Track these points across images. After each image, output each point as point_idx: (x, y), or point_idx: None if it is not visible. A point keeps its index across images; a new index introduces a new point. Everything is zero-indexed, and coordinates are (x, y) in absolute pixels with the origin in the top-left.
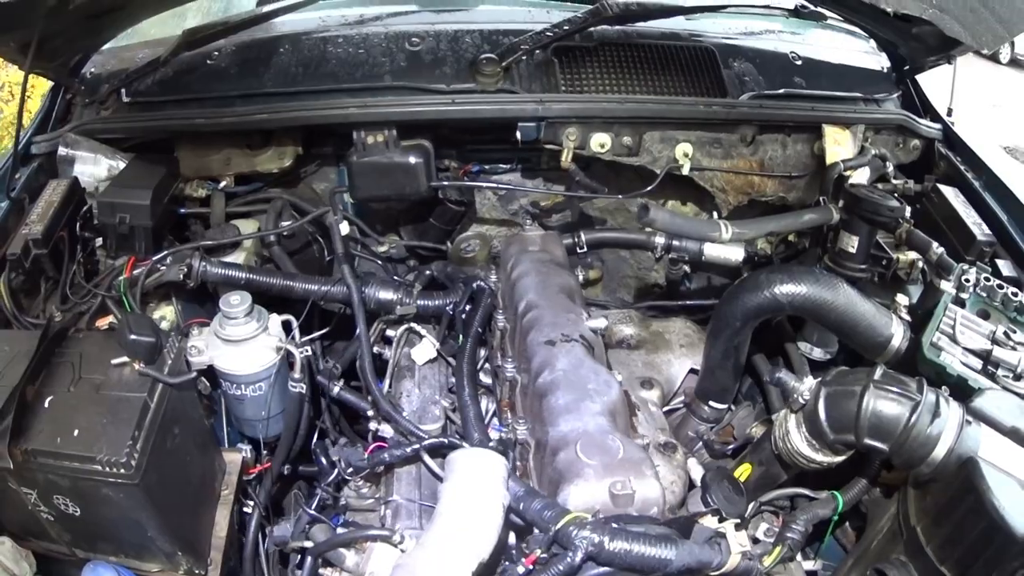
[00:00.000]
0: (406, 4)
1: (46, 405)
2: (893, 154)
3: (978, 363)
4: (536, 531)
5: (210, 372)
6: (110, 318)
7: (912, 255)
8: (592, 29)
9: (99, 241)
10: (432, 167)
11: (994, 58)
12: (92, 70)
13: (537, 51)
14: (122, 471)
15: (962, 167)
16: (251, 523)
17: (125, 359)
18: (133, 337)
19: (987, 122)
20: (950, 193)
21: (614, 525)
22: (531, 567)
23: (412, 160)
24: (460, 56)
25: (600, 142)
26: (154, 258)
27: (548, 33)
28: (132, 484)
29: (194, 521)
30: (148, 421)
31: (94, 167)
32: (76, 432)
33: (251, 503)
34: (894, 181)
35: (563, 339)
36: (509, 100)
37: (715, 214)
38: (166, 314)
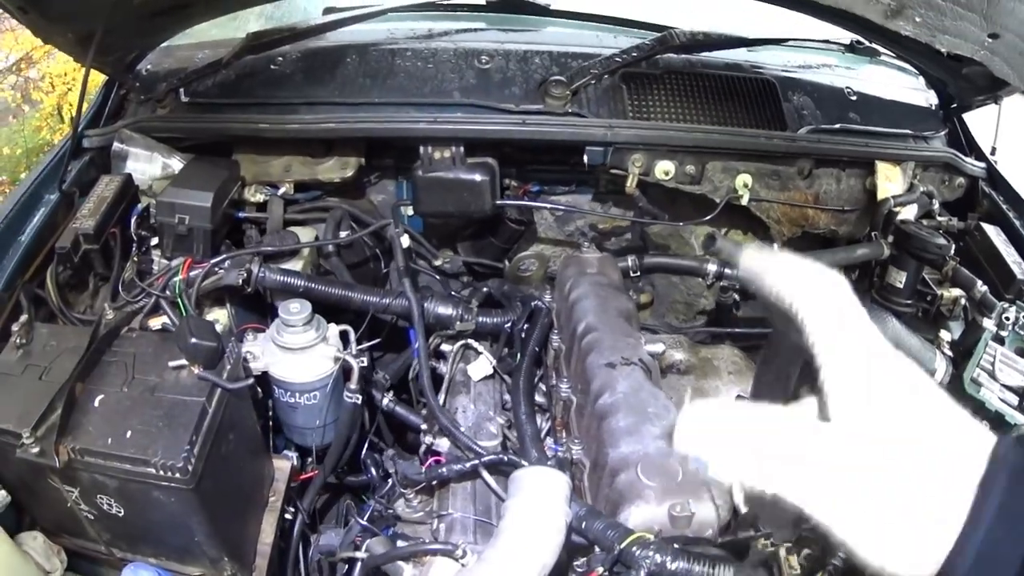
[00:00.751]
0: (475, 21)
1: (96, 404)
2: (939, 191)
3: (1015, 399)
4: (597, 549)
5: (262, 378)
6: (163, 319)
7: (956, 292)
8: (659, 57)
9: (154, 240)
10: (497, 185)
11: None
12: (148, 67)
13: (606, 76)
14: (178, 475)
15: (1004, 206)
16: (294, 530)
17: (183, 362)
18: (194, 341)
19: None
20: (992, 231)
21: (676, 546)
22: None
23: (478, 178)
24: (529, 77)
25: (664, 169)
26: (212, 261)
27: (617, 59)
28: (187, 489)
29: (242, 527)
30: (206, 426)
31: (148, 164)
32: (129, 433)
33: (293, 510)
34: (939, 218)
35: (623, 362)
36: (578, 124)
37: (774, 246)
38: (220, 317)
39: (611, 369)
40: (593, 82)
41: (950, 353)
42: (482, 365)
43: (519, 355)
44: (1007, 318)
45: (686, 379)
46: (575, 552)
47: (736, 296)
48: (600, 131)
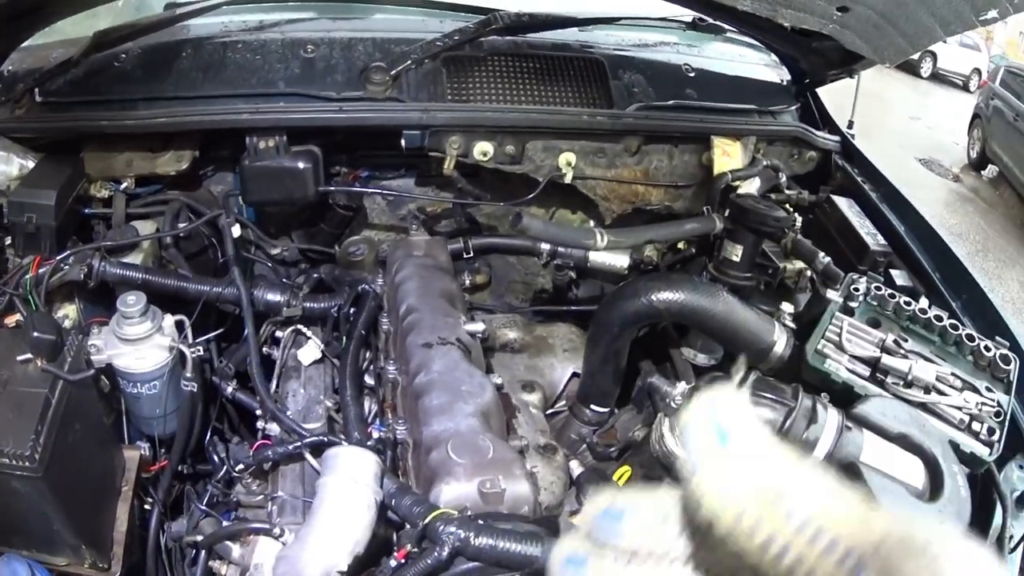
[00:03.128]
0: (306, 11)
1: None
2: (788, 165)
3: (866, 371)
4: (407, 526)
5: (109, 370)
6: (17, 316)
7: (799, 264)
8: (483, 40)
9: (8, 239)
10: (320, 172)
11: (915, 72)
12: (9, 68)
13: (426, 60)
14: (26, 464)
15: (859, 179)
16: (151, 519)
17: (29, 356)
18: (36, 334)
19: (905, 134)
20: (843, 203)
21: (480, 522)
22: (402, 560)
23: (301, 165)
24: (352, 64)
25: (483, 150)
26: (58, 257)
27: (438, 43)
28: (36, 477)
29: (96, 515)
30: (50, 416)
31: (6, 166)
32: None
33: (151, 500)
34: (787, 192)
35: (440, 342)
36: (395, 108)
37: (591, 222)
38: (69, 313)
39: (428, 349)
40: (413, 67)
41: (792, 325)
42: (311, 350)
43: (345, 338)
44: (856, 289)
45: (519, 357)
46: (397, 530)
47: (572, 275)
48: (416, 115)
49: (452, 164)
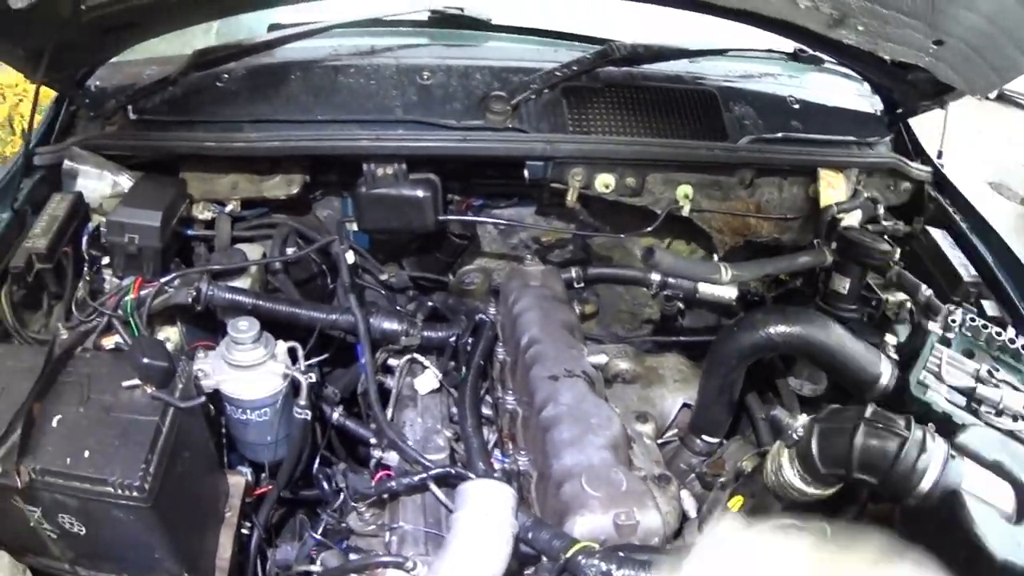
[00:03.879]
0: (417, 37)
1: (54, 424)
2: (884, 196)
3: (962, 400)
4: (544, 560)
5: (214, 395)
6: (115, 338)
7: (900, 296)
8: (599, 70)
9: (106, 259)
10: (439, 201)
11: None
12: (97, 83)
13: (545, 90)
14: (135, 494)
15: (950, 209)
16: (251, 546)
17: (136, 382)
18: (147, 361)
19: (973, 156)
20: (938, 235)
21: (621, 554)
22: None
23: (420, 194)
24: (470, 92)
25: (605, 182)
26: (162, 280)
27: (557, 73)
28: (144, 507)
29: (200, 543)
30: (160, 444)
31: (98, 182)
32: (87, 453)
33: (250, 525)
34: (884, 223)
35: (566, 374)
36: (518, 139)
37: (714, 256)
38: (170, 336)
39: (554, 381)
40: (533, 97)
41: (896, 356)
42: (428, 379)
43: (464, 368)
44: (953, 320)
45: (631, 388)
46: (525, 562)
47: (680, 305)
48: (540, 146)
49: (575, 196)
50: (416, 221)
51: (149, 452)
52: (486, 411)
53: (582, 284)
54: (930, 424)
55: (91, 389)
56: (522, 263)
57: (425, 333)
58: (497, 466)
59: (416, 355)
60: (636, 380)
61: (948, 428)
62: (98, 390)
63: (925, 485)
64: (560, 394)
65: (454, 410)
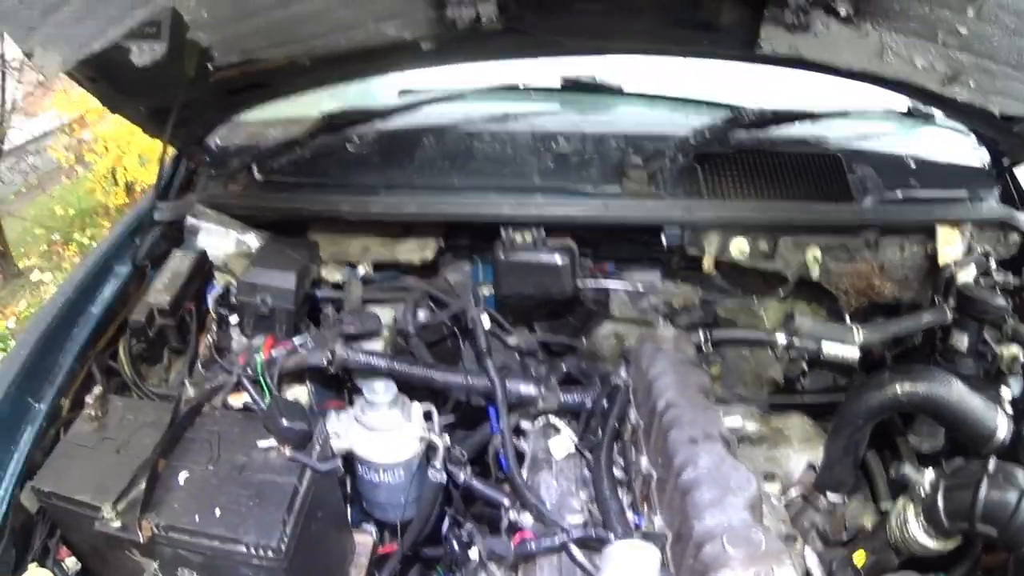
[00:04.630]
0: (549, 102)
1: (181, 481)
2: (995, 249)
3: None
4: None
5: (344, 455)
6: (244, 397)
7: (1015, 349)
8: (729, 135)
9: (234, 319)
10: (576, 267)
11: None
12: (217, 142)
13: (680, 156)
14: (271, 554)
15: None
16: None
17: (272, 443)
18: (287, 424)
19: None
20: None
21: None
22: None
23: (559, 261)
24: (606, 159)
25: (740, 248)
26: (296, 341)
27: (691, 140)
28: (279, 567)
29: None
30: (297, 506)
31: (222, 240)
32: (218, 511)
33: None
34: (995, 276)
35: (704, 437)
36: (657, 206)
37: (847, 318)
38: (299, 396)
39: (693, 444)
40: (669, 163)
41: (1011, 411)
42: (564, 442)
43: (600, 432)
44: None
45: (758, 449)
46: None
47: (805, 366)
48: (678, 212)
49: (712, 263)
50: (554, 287)
51: (286, 513)
52: (618, 473)
53: (710, 347)
54: None
55: (221, 448)
56: (651, 326)
57: (562, 397)
58: (634, 528)
59: (551, 418)
60: (762, 441)
61: None
62: (229, 449)
63: None
64: (699, 457)
65: (586, 473)
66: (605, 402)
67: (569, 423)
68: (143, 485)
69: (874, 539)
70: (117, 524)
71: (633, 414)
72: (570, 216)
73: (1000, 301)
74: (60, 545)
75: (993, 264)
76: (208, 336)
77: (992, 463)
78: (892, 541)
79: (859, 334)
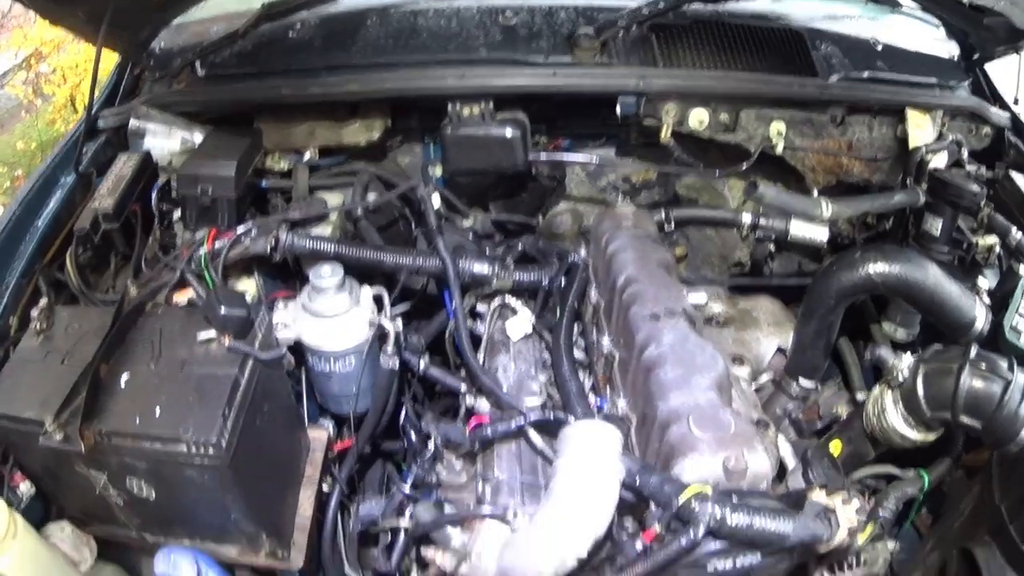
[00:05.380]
0: None
1: (122, 384)
2: (966, 140)
3: None
4: (652, 506)
5: (294, 347)
6: (189, 293)
7: (991, 240)
8: (685, 8)
9: (176, 214)
10: (528, 141)
11: None
12: (161, 45)
13: (633, 27)
14: (211, 452)
15: None
16: (331, 502)
17: (212, 334)
18: (225, 312)
19: None
20: (1022, 180)
21: (735, 499)
22: (649, 544)
23: (510, 133)
24: (556, 31)
25: (699, 118)
26: (239, 230)
27: (644, 10)
28: (221, 465)
29: (279, 502)
30: (239, 399)
31: (167, 140)
32: (158, 411)
33: (330, 481)
34: (967, 167)
35: (667, 313)
36: (610, 74)
37: (815, 192)
38: (248, 288)
39: (655, 321)
40: (621, 33)
41: (988, 301)
42: (521, 323)
43: (558, 311)
44: None
45: (726, 331)
46: (623, 510)
47: (771, 247)
48: (632, 80)
49: (669, 133)
50: (505, 161)
51: (226, 407)
52: (579, 355)
53: (672, 226)
54: None
55: (163, 345)
56: (611, 205)
57: (518, 276)
58: (595, 410)
59: (507, 299)
60: (730, 323)
61: None
62: (171, 346)
63: None
64: (663, 334)
65: (546, 355)
66: (563, 280)
67: (526, 304)
68: (84, 394)
69: (850, 428)
70: (59, 436)
71: (593, 293)
72: (518, 86)
73: (974, 187)
74: (14, 471)
75: (965, 154)
76: (152, 236)
77: (974, 349)
78: (869, 431)
79: (828, 207)
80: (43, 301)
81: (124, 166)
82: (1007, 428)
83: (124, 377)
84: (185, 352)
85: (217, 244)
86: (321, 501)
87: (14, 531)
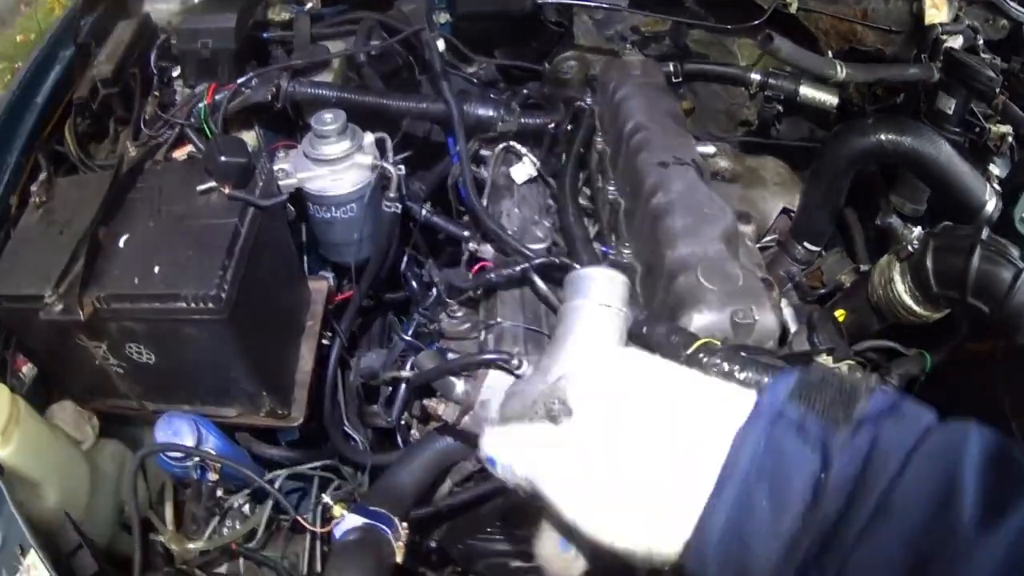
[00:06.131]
0: None
1: (121, 245)
2: (983, 29)
3: None
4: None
5: (296, 197)
6: (188, 148)
7: (1004, 129)
8: None
9: (176, 71)
10: None
11: None
12: None
13: None
14: (210, 305)
15: None
16: (332, 355)
17: (212, 184)
18: (224, 159)
19: None
20: None
21: (744, 354)
22: None
23: None
24: None
25: None
26: (239, 81)
27: None
28: (220, 319)
29: (279, 357)
30: (239, 249)
31: (167, 4)
32: (157, 269)
33: (330, 334)
34: (983, 55)
35: (676, 161)
36: None
37: (829, 54)
38: (248, 140)
39: (664, 168)
40: None
41: (999, 188)
42: (525, 167)
43: (564, 156)
44: None
45: (732, 187)
46: None
47: (779, 108)
48: None
49: None
50: (513, 4)
51: (226, 258)
52: (584, 203)
53: (680, 79)
54: None
55: (162, 202)
56: (618, 55)
57: (523, 119)
58: (601, 257)
59: (512, 143)
60: (736, 179)
61: None
62: (170, 201)
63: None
64: (671, 181)
65: (551, 202)
66: (569, 125)
67: (532, 150)
68: (83, 260)
69: (854, 298)
70: (59, 308)
71: (599, 141)
72: None
73: (990, 72)
74: (16, 355)
75: (981, 41)
76: (151, 95)
77: (985, 231)
78: (874, 301)
79: (842, 70)
80: (42, 175)
81: (123, 32)
82: (1016, 318)
83: (124, 238)
84: (184, 206)
85: (217, 97)
86: (322, 355)
87: (17, 417)
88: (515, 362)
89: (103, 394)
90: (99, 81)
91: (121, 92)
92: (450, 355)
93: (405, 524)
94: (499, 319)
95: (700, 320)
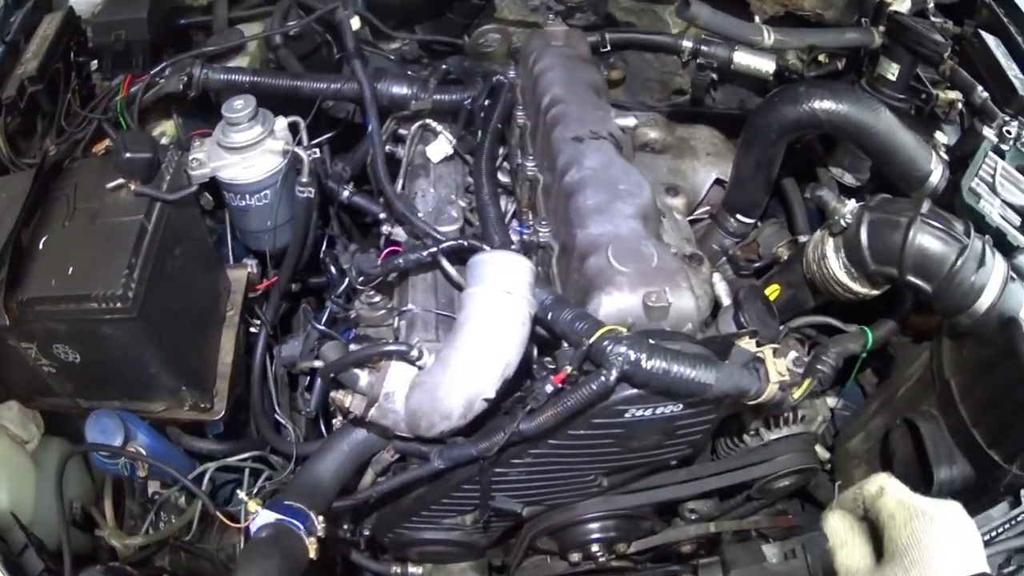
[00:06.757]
0: None
1: (40, 247)
2: None
3: (1016, 219)
4: (565, 345)
5: (212, 184)
6: (107, 142)
7: (952, 95)
8: None
9: (94, 65)
10: None
11: None
12: None
13: None
14: (119, 305)
15: (1005, 19)
16: (258, 344)
17: (121, 181)
18: (128, 155)
19: None
20: (992, 42)
21: (651, 341)
22: (560, 385)
23: None
24: None
25: None
26: (152, 72)
27: None
28: (130, 318)
29: (198, 350)
30: (145, 246)
31: None
32: (71, 270)
33: (257, 322)
34: (932, 19)
35: (591, 136)
36: None
37: (757, 20)
38: (166, 129)
39: (578, 143)
40: None
41: (946, 156)
42: (441, 145)
43: (481, 132)
44: (1008, 132)
45: (661, 158)
46: (545, 347)
47: (713, 76)
48: None
49: None
50: None
51: (132, 256)
52: (505, 179)
53: (607, 48)
54: (987, 237)
55: (77, 200)
56: (542, 27)
57: (438, 96)
58: (515, 238)
59: (428, 121)
60: (666, 150)
61: (1000, 247)
62: (84, 199)
63: (982, 304)
64: (585, 157)
65: (470, 180)
66: (487, 100)
67: (449, 127)
68: (7, 265)
69: (790, 272)
70: None
71: (520, 115)
72: None
73: (937, 36)
74: None
75: (931, 4)
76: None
77: (926, 204)
78: (809, 277)
79: (769, 35)
80: None
81: (48, 27)
82: (959, 297)
83: (43, 239)
84: (98, 204)
85: (132, 89)
86: (249, 344)
87: None
88: (414, 353)
89: (41, 393)
90: (26, 79)
91: (47, 88)
92: (352, 345)
93: (322, 518)
94: (410, 305)
95: (610, 304)
